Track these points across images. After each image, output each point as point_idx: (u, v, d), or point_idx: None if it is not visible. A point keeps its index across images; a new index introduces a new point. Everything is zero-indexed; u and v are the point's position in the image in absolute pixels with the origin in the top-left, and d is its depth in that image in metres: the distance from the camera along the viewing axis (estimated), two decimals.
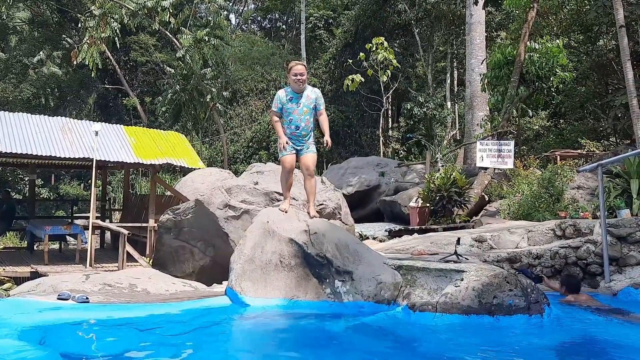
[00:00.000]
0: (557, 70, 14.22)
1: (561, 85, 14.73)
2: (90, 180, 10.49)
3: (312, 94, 6.03)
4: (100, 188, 14.81)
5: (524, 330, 4.28)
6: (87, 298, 5.24)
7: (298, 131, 6.02)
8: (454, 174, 11.68)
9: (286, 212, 6.20)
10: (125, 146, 10.57)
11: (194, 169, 12.20)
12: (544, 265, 6.85)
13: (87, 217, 10.61)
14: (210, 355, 3.84)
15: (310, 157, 6.16)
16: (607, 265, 6.44)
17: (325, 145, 6.06)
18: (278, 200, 9.60)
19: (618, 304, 5.72)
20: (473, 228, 10.26)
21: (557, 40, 14.93)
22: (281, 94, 6.08)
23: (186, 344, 4.16)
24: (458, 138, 27.29)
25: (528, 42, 14.15)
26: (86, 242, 10.21)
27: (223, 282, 7.13)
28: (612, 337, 4.30)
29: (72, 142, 9.97)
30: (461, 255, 6.39)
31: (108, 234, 13.59)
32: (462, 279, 5.31)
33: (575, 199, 10.36)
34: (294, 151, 6.14)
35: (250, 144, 28.91)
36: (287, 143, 6.01)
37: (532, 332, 4.20)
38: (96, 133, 9.88)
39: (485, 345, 3.73)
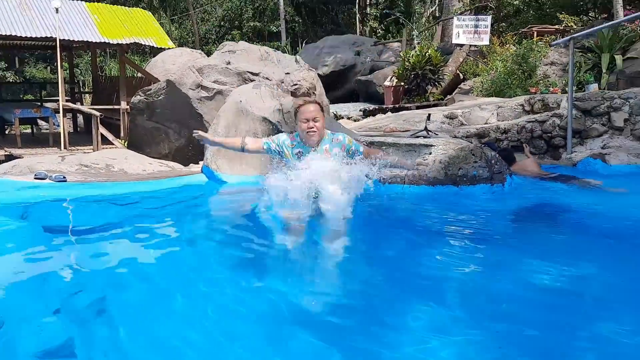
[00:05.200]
0: None
1: None
2: (56, 63, 10.07)
3: (336, 147, 4.08)
4: (68, 71, 14.31)
5: (486, 197, 4.58)
6: (64, 177, 5.33)
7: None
8: (429, 51, 11.54)
9: None
10: (89, 24, 10.08)
11: (164, 49, 11.79)
12: (511, 139, 7.09)
13: (57, 101, 10.38)
14: (188, 226, 4.04)
15: None
16: (570, 137, 6.70)
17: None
18: (251, 80, 9.49)
19: (576, 173, 6.06)
20: (446, 106, 10.38)
21: None
22: (285, 141, 4.21)
23: (165, 216, 4.35)
24: (437, 15, 26.47)
25: None
26: (58, 126, 10.10)
27: (199, 162, 7.26)
28: (564, 201, 4.64)
29: (32, 20, 9.46)
30: (431, 131, 6.56)
31: (80, 118, 13.42)
32: (430, 153, 5.51)
33: (547, 75, 10.45)
34: None
35: (222, 23, 27.70)
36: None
37: (492, 198, 4.50)
38: (56, 10, 9.35)
39: (448, 210, 4.01)
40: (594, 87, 8.34)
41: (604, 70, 9.11)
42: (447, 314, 2.26)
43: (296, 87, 10.04)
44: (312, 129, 3.95)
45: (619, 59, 9.27)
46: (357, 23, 24.30)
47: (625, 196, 5.05)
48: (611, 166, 6.20)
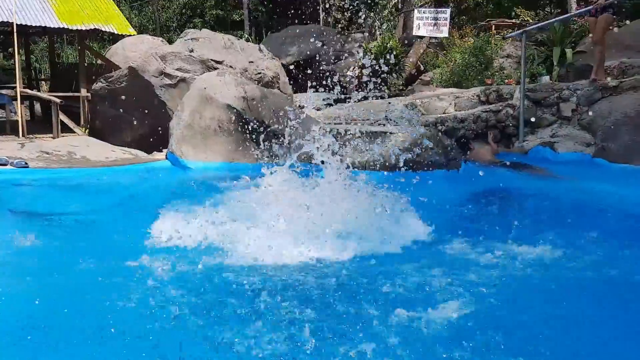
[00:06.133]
0: None
1: None
2: (10, 49, 9.84)
3: None
4: (24, 57, 13.90)
5: (441, 181, 4.82)
6: (26, 163, 5.31)
7: None
8: (390, 42, 11.77)
9: None
10: (46, 9, 9.84)
11: (124, 36, 11.61)
12: (467, 128, 7.39)
13: (13, 87, 10.10)
14: (155, 209, 4.11)
15: None
16: (522, 127, 7.05)
17: None
18: (215, 69, 9.50)
19: (527, 160, 6.40)
20: (406, 96, 10.64)
21: None
22: None
23: (129, 202, 4.41)
24: (400, 7, 26.78)
25: None
26: (15, 113, 9.85)
27: (163, 149, 7.28)
28: (512, 184, 4.95)
29: None
30: (390, 120, 6.79)
31: (38, 106, 13.07)
32: (389, 140, 5.74)
33: (503, 67, 10.83)
34: None
35: (183, 11, 27.27)
36: None
37: (446, 182, 4.75)
38: None
39: (401, 188, 4.20)
40: (545, 79, 8.74)
41: (555, 63, 9.55)
42: None
43: (260, 75, 10.10)
44: None
45: (569, 52, 9.72)
46: (321, 13, 24.35)
47: (569, 181, 5.40)
48: (559, 154, 6.58)
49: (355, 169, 5.58)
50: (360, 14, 22.26)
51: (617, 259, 3.10)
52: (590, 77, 7.21)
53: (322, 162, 4.71)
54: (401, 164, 5.33)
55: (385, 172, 5.24)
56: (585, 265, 2.98)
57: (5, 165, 5.23)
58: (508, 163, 5.93)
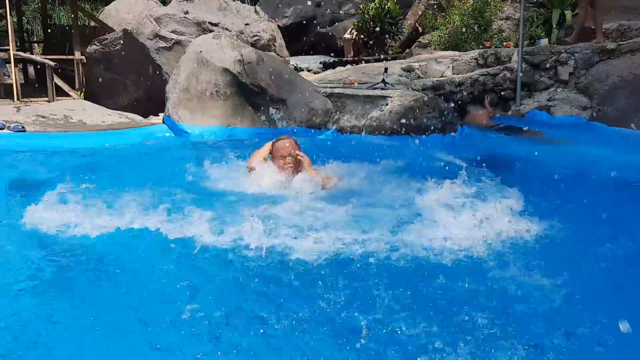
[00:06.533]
0: None
1: None
2: (1, 10, 9.65)
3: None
4: (16, 19, 13.64)
5: (437, 145, 4.85)
6: (23, 127, 5.30)
7: None
8: (388, 4, 11.58)
9: None
10: None
11: None
12: (464, 91, 7.38)
13: (6, 50, 9.96)
14: (154, 173, 4.14)
15: None
16: (519, 90, 7.04)
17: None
18: (210, 31, 9.37)
19: (524, 124, 6.43)
20: (404, 59, 10.55)
21: None
22: None
23: (129, 166, 4.44)
24: None
25: None
26: (9, 76, 9.75)
27: (159, 113, 7.26)
28: (508, 149, 4.99)
29: None
30: (388, 83, 6.76)
31: (31, 69, 12.92)
32: (386, 104, 5.75)
33: (502, 29, 10.71)
34: None
35: None
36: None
37: (442, 146, 4.78)
38: None
39: (398, 153, 4.22)
40: (544, 41, 8.65)
41: (554, 25, 9.43)
42: None
43: (256, 38, 9.97)
44: (289, 164, 3.81)
45: (568, 14, 9.58)
46: None
47: (565, 145, 5.45)
48: (555, 117, 6.60)
49: (351, 133, 5.63)
50: None
51: None
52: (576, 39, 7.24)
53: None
54: (398, 128, 5.37)
55: (382, 136, 5.28)
56: None
57: (2, 129, 5.23)
58: (504, 126, 5.96)
